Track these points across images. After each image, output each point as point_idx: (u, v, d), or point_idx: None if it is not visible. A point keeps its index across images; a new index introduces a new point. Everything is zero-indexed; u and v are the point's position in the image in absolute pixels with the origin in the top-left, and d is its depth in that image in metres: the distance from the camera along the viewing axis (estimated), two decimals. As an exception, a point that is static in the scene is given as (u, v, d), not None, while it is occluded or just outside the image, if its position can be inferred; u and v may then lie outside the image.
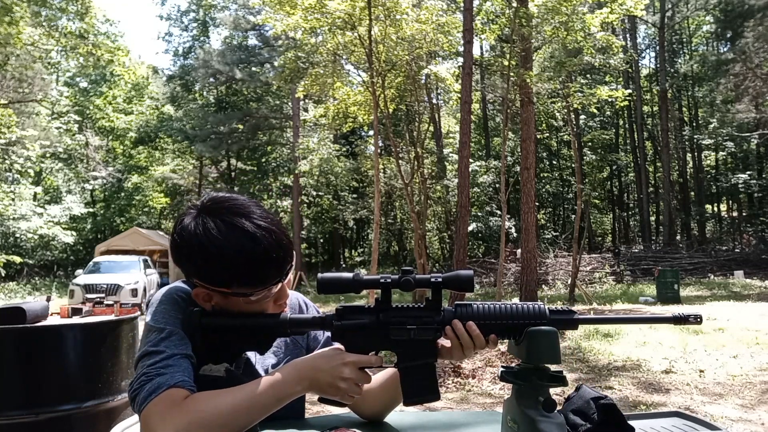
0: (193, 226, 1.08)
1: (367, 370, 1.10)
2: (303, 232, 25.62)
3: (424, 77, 15.88)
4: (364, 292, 1.15)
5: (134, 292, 14.41)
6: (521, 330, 1.07)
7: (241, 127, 27.89)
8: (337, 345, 1.12)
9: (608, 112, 28.26)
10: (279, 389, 1.04)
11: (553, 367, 1.05)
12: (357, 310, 1.12)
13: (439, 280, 1.07)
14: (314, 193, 25.11)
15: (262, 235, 1.08)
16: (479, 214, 22.83)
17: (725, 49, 28.46)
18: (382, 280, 1.08)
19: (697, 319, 1.08)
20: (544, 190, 28.85)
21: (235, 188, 29.59)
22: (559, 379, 1.03)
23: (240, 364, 1.20)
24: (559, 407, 1.05)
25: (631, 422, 1.11)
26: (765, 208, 26.04)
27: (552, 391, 1.04)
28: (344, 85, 13.98)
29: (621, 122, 32.57)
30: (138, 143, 32.69)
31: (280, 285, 1.14)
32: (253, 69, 28.10)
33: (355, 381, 1.07)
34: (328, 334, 1.28)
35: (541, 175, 28.33)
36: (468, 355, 1.11)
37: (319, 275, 1.08)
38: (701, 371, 6.19)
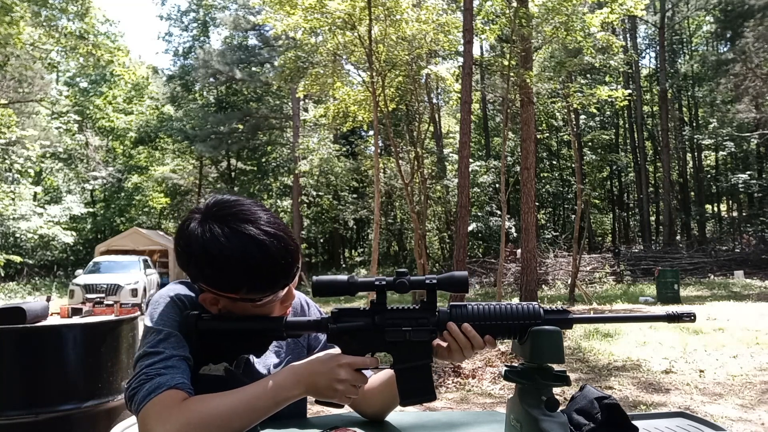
0: (199, 232, 1.08)
1: (364, 371, 1.10)
2: (303, 232, 25.63)
3: (424, 77, 15.88)
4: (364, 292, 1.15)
5: (134, 292, 14.40)
6: (516, 330, 1.09)
7: (241, 127, 27.89)
8: (335, 348, 1.13)
9: (608, 112, 28.28)
10: (277, 393, 1.05)
11: (556, 367, 1.04)
12: (353, 312, 1.12)
13: (434, 281, 1.08)
14: (314, 193, 25.11)
15: (270, 241, 1.07)
16: (479, 214, 22.83)
17: (725, 49, 28.48)
18: (377, 283, 1.08)
19: (691, 317, 1.09)
20: (544, 190, 28.86)
21: (235, 188, 29.62)
22: (563, 379, 1.03)
23: (240, 364, 1.20)
24: (563, 407, 1.05)
25: (635, 422, 1.11)
26: (765, 208, 26.05)
27: (555, 390, 1.04)
28: (344, 85, 13.97)
29: (621, 122, 32.58)
30: (138, 143, 32.71)
31: (287, 288, 1.15)
32: (253, 69, 28.13)
33: (351, 382, 1.07)
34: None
35: (541, 175, 28.34)
36: (467, 355, 1.11)
37: (314, 278, 1.08)
38: (701, 371, 6.19)
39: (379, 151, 14.53)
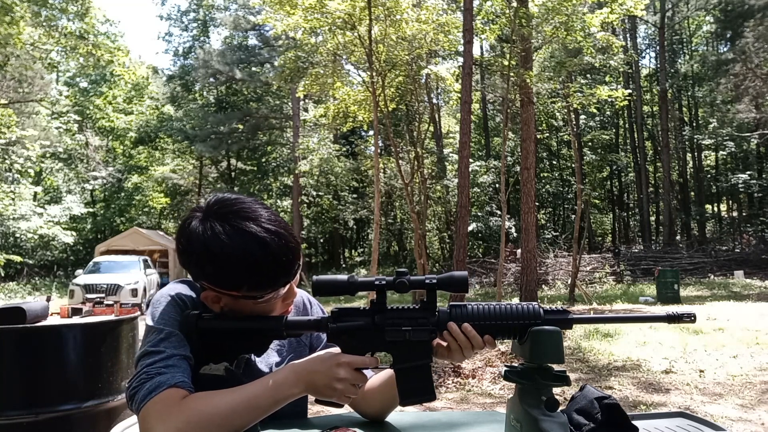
0: (201, 230, 1.08)
1: (364, 370, 1.10)
2: (303, 232, 25.62)
3: (424, 77, 15.88)
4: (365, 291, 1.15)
5: (134, 292, 14.40)
6: (516, 330, 1.09)
7: (241, 127, 27.89)
8: (336, 348, 1.13)
9: (608, 112, 28.25)
10: (276, 391, 1.05)
11: (556, 367, 1.04)
12: (353, 312, 1.12)
13: (434, 281, 1.08)
14: (314, 193, 25.11)
15: (271, 239, 1.08)
16: (479, 214, 22.83)
17: (725, 49, 28.48)
18: (377, 282, 1.08)
19: (691, 318, 1.09)
20: (544, 190, 28.85)
21: (235, 188, 29.61)
22: (562, 379, 1.03)
23: (240, 364, 1.21)
24: (563, 407, 1.05)
25: (635, 422, 1.11)
26: (765, 208, 26.05)
27: (555, 390, 1.04)
28: (344, 85, 13.97)
29: (621, 122, 32.58)
30: (138, 143, 32.72)
31: (288, 285, 1.15)
32: (253, 69, 28.12)
33: (350, 382, 1.07)
34: None
35: (541, 175, 28.34)
36: (468, 355, 1.11)
37: (314, 278, 1.09)
38: (701, 371, 6.19)
39: (379, 151, 14.53)
